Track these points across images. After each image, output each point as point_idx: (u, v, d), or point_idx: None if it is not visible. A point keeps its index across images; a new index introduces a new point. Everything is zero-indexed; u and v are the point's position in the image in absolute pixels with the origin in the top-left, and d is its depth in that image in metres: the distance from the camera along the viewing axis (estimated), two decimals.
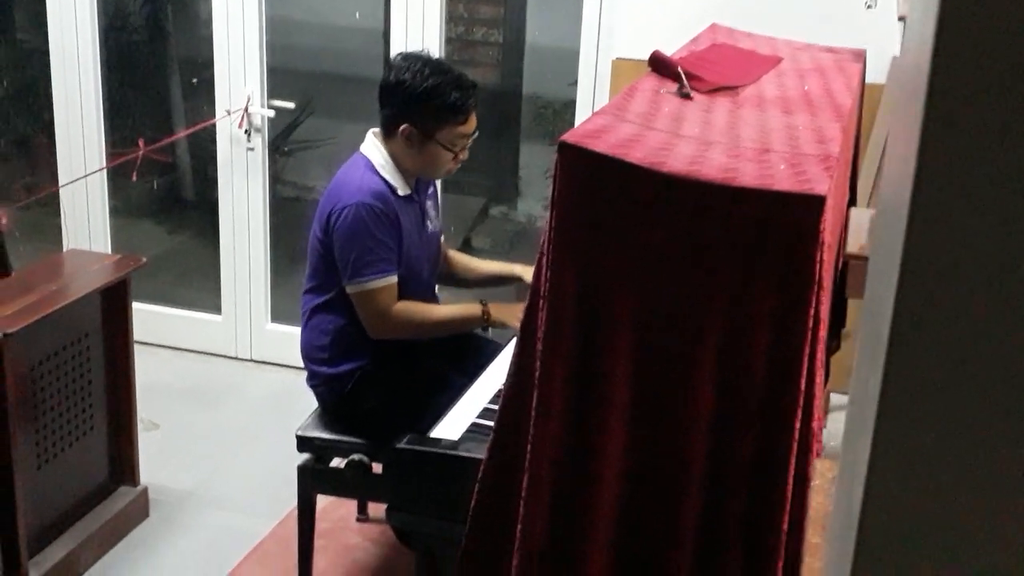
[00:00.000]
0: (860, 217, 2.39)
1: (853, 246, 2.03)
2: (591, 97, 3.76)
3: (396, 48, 3.94)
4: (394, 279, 2.61)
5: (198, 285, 4.67)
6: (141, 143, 3.97)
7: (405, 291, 2.66)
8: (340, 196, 2.62)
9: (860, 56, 2.55)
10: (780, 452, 1.54)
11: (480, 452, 1.90)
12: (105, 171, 4.33)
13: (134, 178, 4.06)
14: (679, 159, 1.56)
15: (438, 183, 2.99)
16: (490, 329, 2.80)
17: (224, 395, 4.13)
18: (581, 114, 3.81)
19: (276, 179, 4.60)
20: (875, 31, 3.24)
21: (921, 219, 0.41)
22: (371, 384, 2.66)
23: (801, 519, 1.61)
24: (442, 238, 2.97)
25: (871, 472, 0.41)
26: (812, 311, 1.50)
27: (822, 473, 1.26)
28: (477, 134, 2.75)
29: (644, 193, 1.52)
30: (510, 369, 1.70)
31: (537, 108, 5.34)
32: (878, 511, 0.41)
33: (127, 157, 4.02)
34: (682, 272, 1.54)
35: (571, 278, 1.57)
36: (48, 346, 2.86)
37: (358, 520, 3.20)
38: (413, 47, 3.88)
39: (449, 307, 2.74)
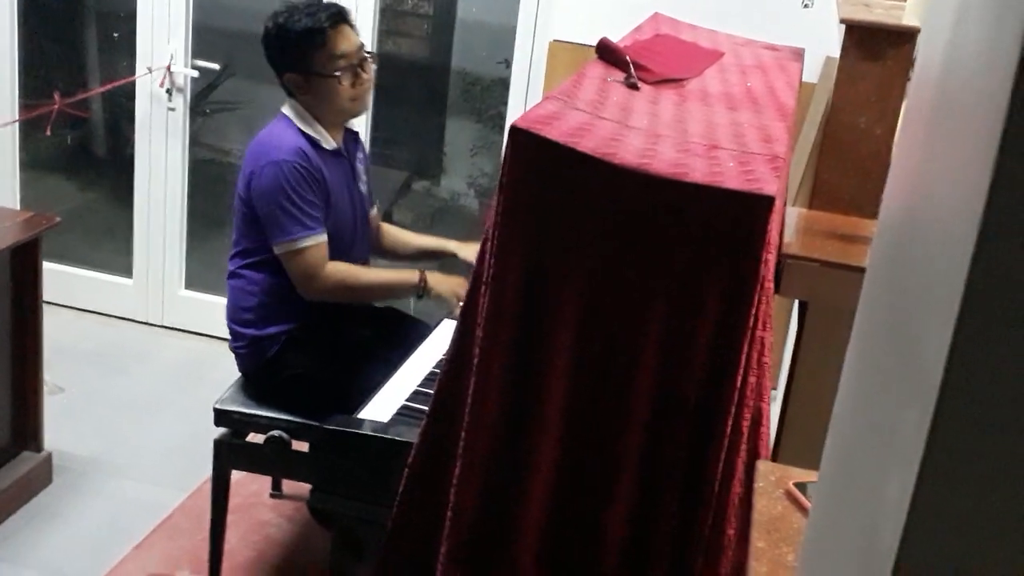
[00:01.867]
0: (789, 217, 2.42)
1: (788, 245, 2.05)
2: (526, 77, 3.73)
3: None
4: (323, 237, 2.55)
5: (109, 246, 4.53)
6: (57, 96, 3.82)
7: (332, 251, 2.60)
8: (260, 155, 2.56)
9: (799, 55, 2.57)
10: (712, 447, 1.55)
11: (409, 436, 1.88)
12: (17, 123, 4.16)
13: (48, 132, 3.90)
14: (629, 151, 1.55)
15: (367, 145, 2.92)
16: (418, 300, 2.76)
17: (133, 361, 4.02)
18: (515, 93, 3.79)
19: (193, 141, 4.47)
20: (810, 30, 3.28)
21: (993, 243, 0.40)
22: (296, 349, 2.60)
23: (723, 514, 1.62)
24: (375, 210, 2.92)
25: (914, 509, 0.40)
26: (753, 309, 1.51)
27: (765, 475, 1.27)
28: (373, 58, 2.70)
29: (594, 183, 1.51)
30: (447, 353, 1.67)
31: (465, 84, 5.29)
32: (919, 548, 0.40)
33: (42, 110, 3.87)
34: (628, 264, 1.53)
35: (516, 264, 1.55)
36: None
37: (272, 496, 3.14)
38: None
39: (385, 271, 2.70)
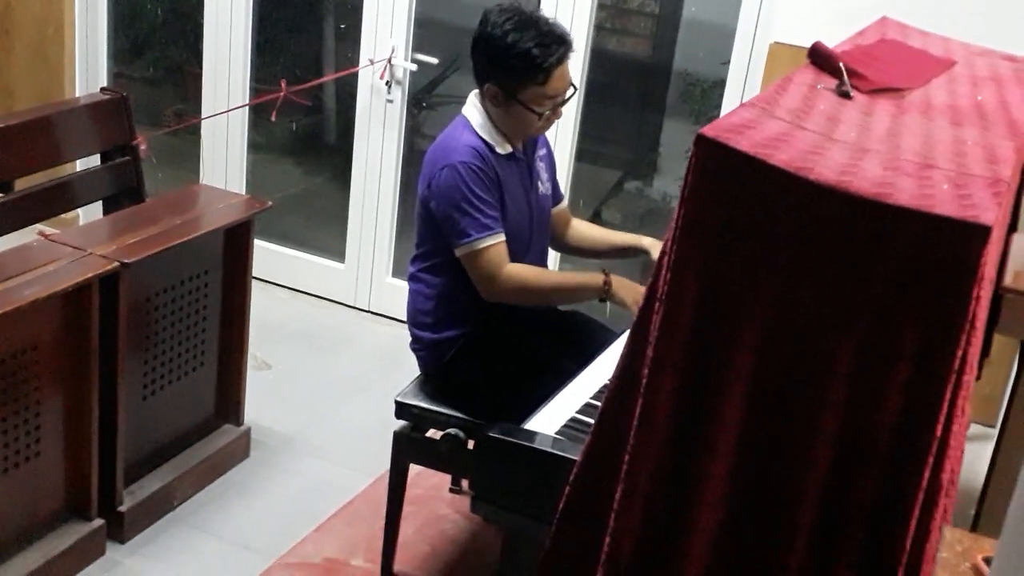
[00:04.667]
0: (1021, 244, 2.18)
1: (1011, 278, 1.84)
2: (742, 80, 3.57)
3: (547, 9, 3.82)
4: (502, 237, 2.50)
5: (327, 230, 4.68)
6: (283, 84, 3.96)
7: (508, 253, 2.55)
8: (438, 158, 2.54)
9: None
10: (904, 501, 1.39)
11: (575, 452, 1.80)
12: (247, 107, 4.36)
13: (273, 118, 4.06)
14: (829, 166, 1.41)
15: (550, 143, 2.84)
16: (608, 307, 2.66)
17: (338, 343, 4.13)
18: (730, 96, 3.64)
19: (415, 131, 4.55)
20: None
21: None
22: (472, 353, 2.58)
23: (919, 569, 1.46)
24: (564, 204, 2.85)
25: None
26: (960, 351, 1.35)
27: (951, 544, 1.12)
28: (574, 92, 2.59)
29: (785, 201, 1.38)
30: (616, 371, 1.59)
31: (686, 85, 5.16)
32: None
33: (268, 97, 4.02)
34: (818, 291, 1.40)
35: (692, 283, 1.45)
36: (166, 279, 2.87)
37: (451, 491, 3.15)
38: (565, 9, 3.76)
39: (567, 273, 2.63)
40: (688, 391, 1.48)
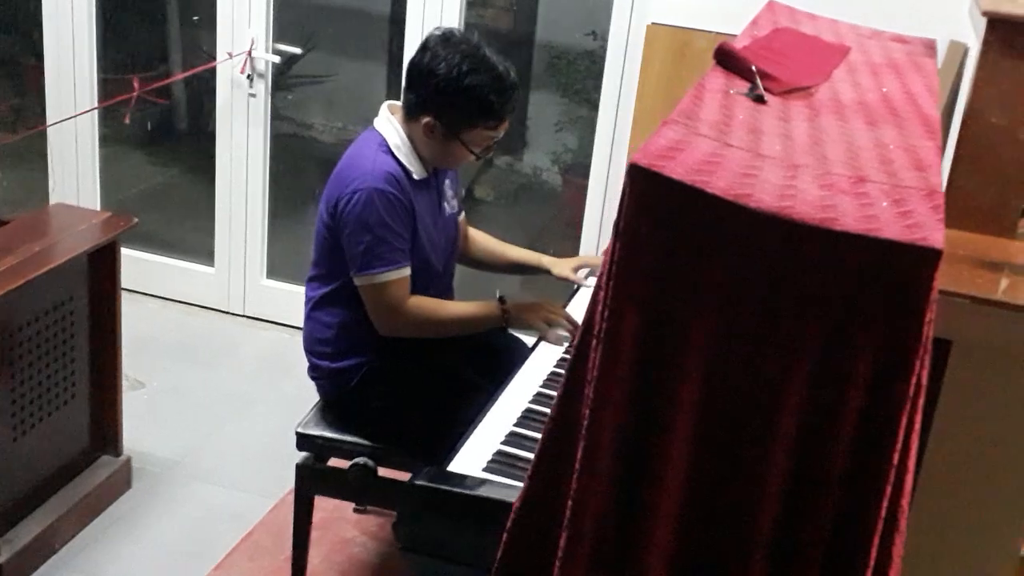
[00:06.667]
0: None
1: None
2: (621, 60, 3.50)
3: None
4: (407, 271, 2.39)
5: (190, 225, 4.45)
6: (136, 83, 3.71)
7: (418, 280, 2.44)
8: (350, 179, 2.38)
9: (932, 48, 2.32)
10: (863, 532, 1.35)
11: (507, 491, 1.71)
12: (96, 104, 4.07)
13: (127, 120, 3.80)
14: (767, 190, 1.34)
15: None
16: (502, 332, 2.59)
17: (216, 353, 3.93)
18: (610, 77, 3.55)
19: (275, 115, 4.34)
20: (929, 10, 3.00)
21: None
22: (377, 381, 2.46)
23: None
24: (462, 216, 2.74)
25: None
26: (915, 377, 1.30)
27: None
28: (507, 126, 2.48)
29: (727, 229, 1.31)
30: (552, 413, 1.50)
31: (550, 57, 5.09)
32: None
33: (120, 97, 3.76)
34: (764, 320, 1.33)
35: (633, 317, 1.37)
36: (28, 312, 2.64)
37: (355, 511, 3.02)
38: None
39: (465, 304, 2.51)
40: (633, 429, 1.41)
